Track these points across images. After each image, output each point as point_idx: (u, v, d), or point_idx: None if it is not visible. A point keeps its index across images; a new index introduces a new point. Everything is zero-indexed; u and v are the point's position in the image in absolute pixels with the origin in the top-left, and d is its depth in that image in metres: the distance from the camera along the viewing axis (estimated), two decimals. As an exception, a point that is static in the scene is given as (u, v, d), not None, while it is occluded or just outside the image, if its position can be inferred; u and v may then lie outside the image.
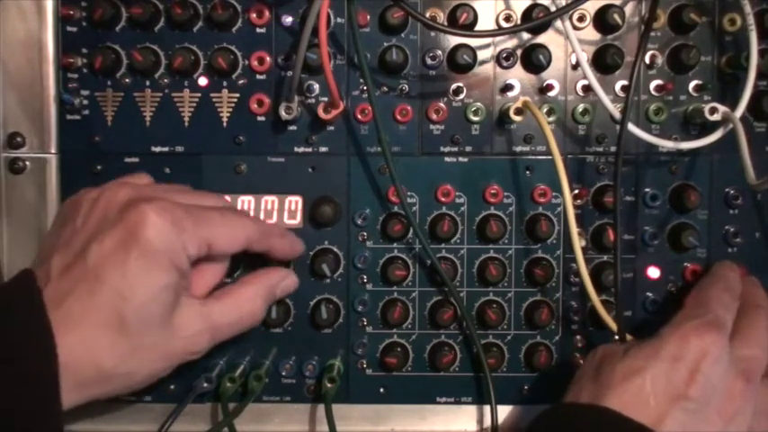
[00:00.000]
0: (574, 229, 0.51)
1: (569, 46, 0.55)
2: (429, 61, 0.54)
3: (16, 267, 0.55)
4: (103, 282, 0.42)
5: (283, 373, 0.57)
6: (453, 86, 0.55)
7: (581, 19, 0.54)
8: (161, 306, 0.44)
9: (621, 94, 0.55)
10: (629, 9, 0.55)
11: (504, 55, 0.55)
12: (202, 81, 0.55)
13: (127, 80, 0.55)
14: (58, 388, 0.40)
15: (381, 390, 0.57)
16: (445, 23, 0.54)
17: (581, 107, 0.55)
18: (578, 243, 0.51)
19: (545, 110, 0.54)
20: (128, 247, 0.42)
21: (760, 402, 0.46)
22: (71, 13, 0.55)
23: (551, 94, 0.55)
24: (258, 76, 0.55)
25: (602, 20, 0.54)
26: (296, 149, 0.56)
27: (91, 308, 0.42)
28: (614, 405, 0.43)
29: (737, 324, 0.48)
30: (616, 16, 0.54)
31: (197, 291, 0.49)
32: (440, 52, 0.55)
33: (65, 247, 0.44)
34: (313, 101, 0.55)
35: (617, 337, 0.52)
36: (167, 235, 0.43)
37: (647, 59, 0.55)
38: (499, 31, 0.54)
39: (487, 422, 0.56)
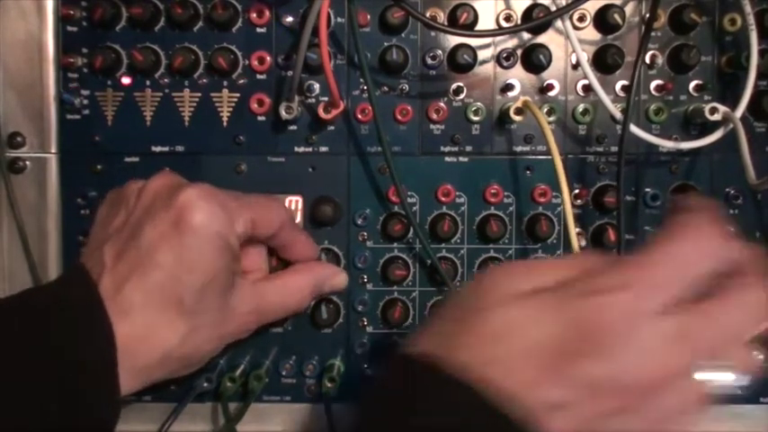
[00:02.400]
0: (573, 230, 0.51)
1: (569, 46, 0.55)
2: (429, 61, 0.54)
3: (16, 267, 0.56)
4: (159, 265, 0.42)
5: (283, 373, 0.56)
6: (453, 86, 0.55)
7: (581, 19, 0.54)
8: (218, 287, 0.44)
9: (622, 94, 0.55)
10: (629, 9, 0.55)
11: (505, 55, 0.55)
12: (202, 81, 0.55)
13: (127, 80, 0.55)
14: (116, 380, 0.40)
15: (381, 390, 0.57)
16: (445, 23, 0.54)
17: (581, 107, 0.55)
18: (577, 243, 0.51)
19: (545, 110, 0.54)
20: (180, 230, 0.43)
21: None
22: (71, 13, 0.55)
23: (551, 94, 0.55)
24: (258, 76, 0.55)
25: (603, 20, 0.54)
26: (296, 149, 0.56)
27: (149, 292, 0.42)
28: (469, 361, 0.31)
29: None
30: (616, 16, 0.54)
31: (246, 272, 0.50)
32: (440, 52, 0.55)
33: (116, 234, 0.45)
34: (313, 101, 0.55)
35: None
36: (217, 216, 0.44)
37: (647, 59, 0.55)
38: (499, 31, 0.54)
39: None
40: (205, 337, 0.45)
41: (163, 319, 0.42)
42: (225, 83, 0.55)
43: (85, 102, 0.55)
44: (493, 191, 0.56)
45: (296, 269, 0.52)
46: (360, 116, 0.55)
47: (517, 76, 0.56)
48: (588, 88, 0.54)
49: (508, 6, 0.55)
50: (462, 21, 0.54)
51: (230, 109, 0.56)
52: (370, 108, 0.54)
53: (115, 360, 0.40)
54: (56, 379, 0.39)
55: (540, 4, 0.54)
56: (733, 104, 0.52)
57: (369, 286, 0.57)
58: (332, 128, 0.56)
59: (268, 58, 0.55)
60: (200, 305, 0.44)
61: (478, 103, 0.55)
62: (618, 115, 0.52)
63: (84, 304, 0.41)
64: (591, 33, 0.55)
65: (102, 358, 0.40)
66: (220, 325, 0.46)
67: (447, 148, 0.56)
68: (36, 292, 0.45)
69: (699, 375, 0.32)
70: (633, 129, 0.51)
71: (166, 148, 0.56)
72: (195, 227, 0.43)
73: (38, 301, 0.43)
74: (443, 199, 0.56)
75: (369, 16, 0.55)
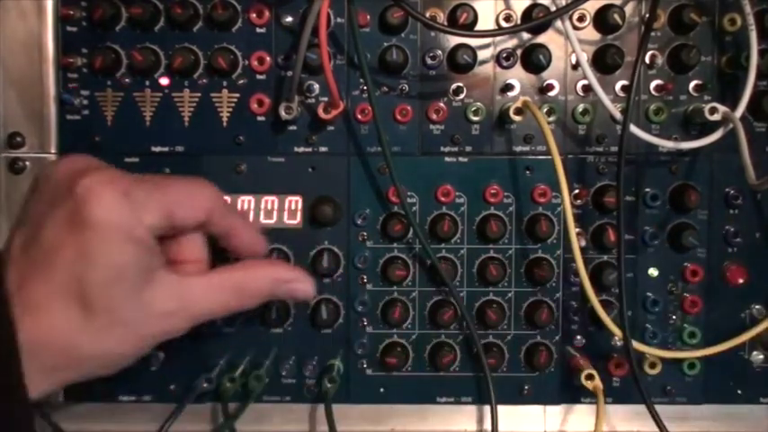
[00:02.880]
0: (572, 230, 0.51)
1: (569, 46, 0.55)
2: (429, 61, 0.54)
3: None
4: (60, 263, 0.40)
5: (283, 373, 0.56)
6: (453, 86, 0.55)
7: (581, 19, 0.54)
8: (127, 283, 0.41)
9: (621, 94, 0.55)
10: (629, 9, 0.55)
11: (504, 55, 0.55)
12: (202, 81, 0.55)
13: (127, 80, 0.55)
14: (21, 379, 0.38)
15: (381, 390, 0.57)
16: (445, 23, 0.54)
17: (581, 107, 0.55)
18: (577, 243, 0.51)
19: (545, 110, 0.54)
20: (77, 226, 0.40)
21: None
22: (71, 13, 0.55)
23: (551, 94, 0.55)
24: (258, 76, 0.55)
25: (603, 20, 0.54)
26: (296, 149, 0.56)
27: (52, 290, 0.40)
28: None
29: None
30: (616, 16, 0.54)
31: (180, 266, 0.46)
32: (440, 52, 0.54)
33: (22, 224, 0.42)
34: (313, 101, 0.55)
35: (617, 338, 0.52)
36: (118, 208, 0.40)
37: (647, 59, 0.55)
38: (499, 31, 0.54)
39: (487, 422, 0.56)
40: (119, 337, 0.42)
41: (67, 319, 0.40)
42: (225, 83, 0.55)
43: (85, 102, 0.55)
44: (493, 191, 0.56)
45: (245, 264, 0.47)
46: (360, 116, 0.55)
47: (517, 76, 0.56)
48: (588, 88, 0.54)
49: (508, 6, 0.55)
50: (462, 21, 0.54)
51: (230, 109, 0.56)
52: (369, 108, 0.54)
53: (18, 358, 0.38)
54: None
55: (540, 4, 0.54)
56: (733, 104, 0.52)
57: (369, 286, 0.57)
58: (332, 128, 0.56)
59: (268, 59, 0.55)
60: (109, 303, 0.41)
61: (478, 103, 0.55)
62: (618, 115, 0.52)
63: None
64: (591, 33, 0.55)
65: (4, 356, 0.38)
66: (137, 324, 0.42)
67: (447, 149, 0.56)
68: None
69: None
70: (633, 129, 0.51)
71: (166, 149, 0.56)
72: (93, 221, 0.40)
73: None
74: (443, 199, 0.56)
75: (369, 16, 0.55)
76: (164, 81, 0.55)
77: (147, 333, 0.43)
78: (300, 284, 0.49)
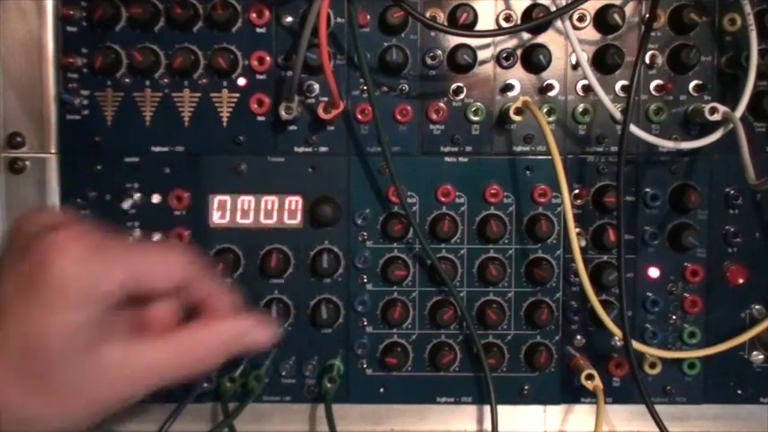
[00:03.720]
0: (572, 230, 0.51)
1: (569, 46, 0.55)
2: (429, 61, 0.54)
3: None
4: (11, 322, 0.37)
5: (283, 373, 0.57)
6: (453, 86, 0.55)
7: (581, 19, 0.54)
8: (78, 345, 0.38)
9: (621, 94, 0.55)
10: (629, 9, 0.55)
11: (504, 55, 0.55)
12: (203, 81, 0.55)
13: (127, 80, 0.55)
14: None
15: (381, 390, 0.57)
16: (445, 23, 0.54)
17: (581, 107, 0.55)
18: (577, 244, 0.51)
19: (545, 110, 0.54)
20: (35, 283, 0.37)
21: None
22: (71, 13, 0.55)
23: (551, 94, 0.55)
24: (258, 76, 0.55)
25: (603, 20, 0.54)
26: (296, 149, 0.56)
27: (6, 359, 0.36)
28: None
29: None
30: (616, 16, 0.54)
31: (147, 329, 0.42)
32: (440, 52, 0.55)
33: None
34: (313, 101, 0.55)
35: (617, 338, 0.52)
36: (80, 267, 0.37)
37: (647, 59, 0.55)
38: (499, 31, 0.54)
39: (487, 422, 0.56)
40: (67, 403, 0.38)
41: (16, 383, 0.37)
42: (225, 83, 0.55)
43: (85, 102, 0.55)
44: (493, 191, 0.56)
45: (201, 323, 0.43)
46: (360, 116, 0.55)
47: (517, 76, 0.56)
48: (588, 88, 0.54)
49: (508, 6, 0.55)
50: (462, 21, 0.54)
51: (230, 109, 0.56)
52: (369, 108, 0.54)
53: None
54: None
55: (540, 4, 0.54)
56: (733, 104, 0.52)
57: (369, 286, 0.57)
58: (332, 128, 0.56)
59: (268, 59, 0.55)
60: (58, 367, 0.37)
61: (478, 103, 0.55)
62: (618, 115, 0.52)
63: None
64: (591, 33, 0.55)
65: None
66: (87, 389, 0.39)
67: (447, 149, 0.56)
68: None
69: None
70: (633, 129, 0.51)
71: (166, 149, 0.56)
72: (50, 279, 0.37)
73: None
74: (443, 199, 0.56)
75: (369, 16, 0.55)
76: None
77: (98, 400, 0.39)
78: (261, 331, 0.43)
